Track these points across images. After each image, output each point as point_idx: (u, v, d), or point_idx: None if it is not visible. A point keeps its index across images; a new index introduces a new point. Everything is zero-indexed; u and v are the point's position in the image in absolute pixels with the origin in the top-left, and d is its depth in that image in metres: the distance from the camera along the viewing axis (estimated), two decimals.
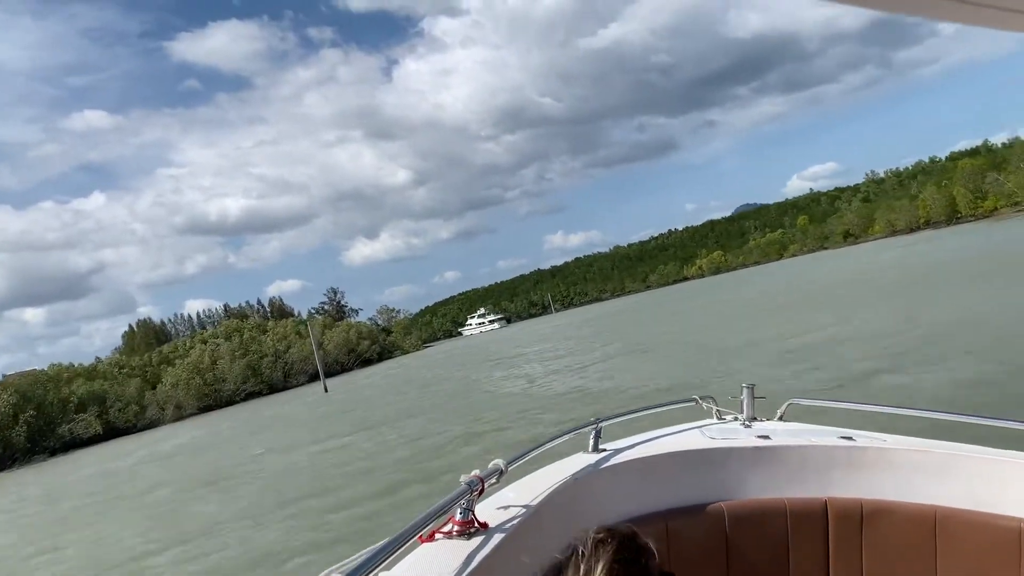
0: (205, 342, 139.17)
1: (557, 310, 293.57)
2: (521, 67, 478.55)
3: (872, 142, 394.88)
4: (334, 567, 1.44)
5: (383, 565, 1.59)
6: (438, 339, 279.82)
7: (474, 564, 1.83)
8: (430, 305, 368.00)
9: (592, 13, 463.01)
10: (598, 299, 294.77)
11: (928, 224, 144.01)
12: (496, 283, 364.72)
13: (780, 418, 3.29)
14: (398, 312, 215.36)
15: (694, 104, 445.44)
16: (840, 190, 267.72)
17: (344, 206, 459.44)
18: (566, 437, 2.82)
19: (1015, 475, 2.46)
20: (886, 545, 2.57)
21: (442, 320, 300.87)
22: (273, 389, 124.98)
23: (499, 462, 2.28)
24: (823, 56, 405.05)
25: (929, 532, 2.50)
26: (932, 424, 2.88)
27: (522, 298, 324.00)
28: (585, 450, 2.88)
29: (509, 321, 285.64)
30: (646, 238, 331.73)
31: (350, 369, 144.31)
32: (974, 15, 0.98)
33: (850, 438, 2.84)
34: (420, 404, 33.18)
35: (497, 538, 2.00)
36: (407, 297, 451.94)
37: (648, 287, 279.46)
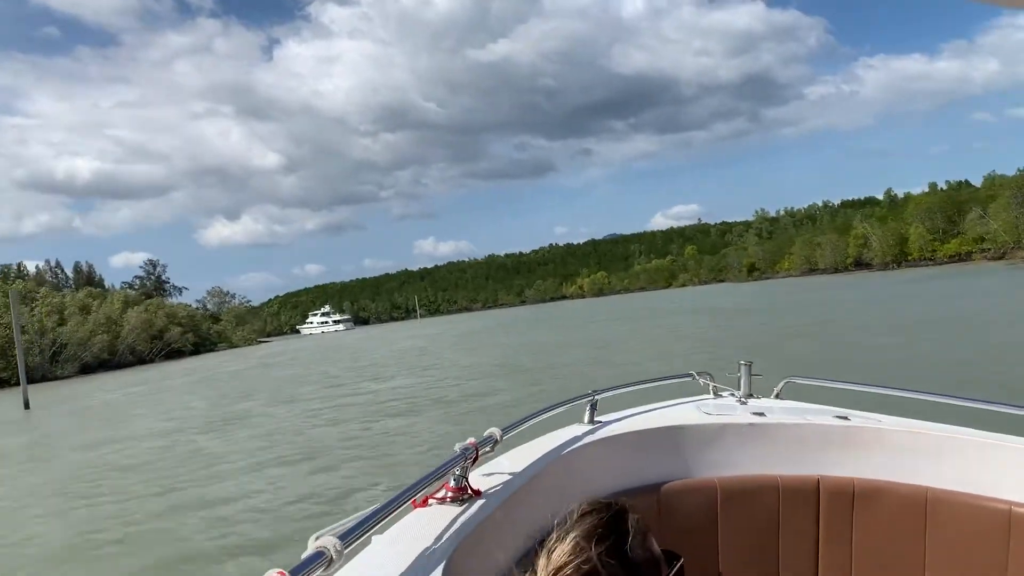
0: None
1: (422, 315, 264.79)
2: (408, 68, 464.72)
3: (733, 189, 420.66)
4: (326, 529, 1.42)
5: (376, 528, 1.59)
6: (283, 333, 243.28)
7: (467, 530, 1.82)
8: (281, 295, 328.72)
9: (484, 25, 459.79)
10: (468, 308, 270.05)
11: (859, 265, 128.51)
12: (358, 279, 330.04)
13: (776, 396, 3.30)
14: (232, 297, 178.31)
15: (573, 131, 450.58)
16: (729, 224, 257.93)
17: (206, 182, 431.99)
18: (562, 408, 2.81)
19: (1008, 459, 2.48)
20: (877, 524, 2.59)
21: (292, 313, 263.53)
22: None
23: (494, 430, 2.30)
24: (698, 103, 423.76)
25: (920, 513, 2.53)
26: (928, 406, 2.87)
27: (384, 299, 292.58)
28: (580, 422, 2.89)
29: (358, 323, 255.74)
30: (526, 251, 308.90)
31: (148, 361, 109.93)
32: None
33: (845, 417, 2.86)
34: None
35: (490, 505, 2.00)
36: (263, 285, 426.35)
37: (523, 301, 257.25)
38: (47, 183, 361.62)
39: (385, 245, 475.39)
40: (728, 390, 3.39)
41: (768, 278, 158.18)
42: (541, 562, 1.16)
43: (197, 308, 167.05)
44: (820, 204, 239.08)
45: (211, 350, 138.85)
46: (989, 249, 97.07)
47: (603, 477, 2.60)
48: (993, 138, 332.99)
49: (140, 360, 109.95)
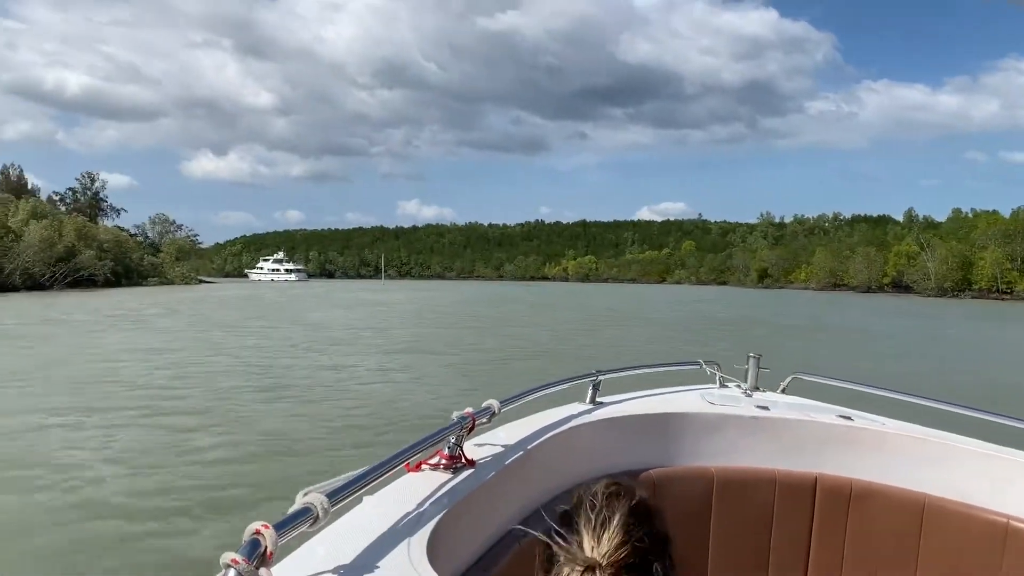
0: None
1: (389, 276, 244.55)
2: (413, 25, 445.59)
3: (722, 192, 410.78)
4: (315, 486, 1.41)
5: (367, 489, 1.58)
6: (229, 275, 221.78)
7: (458, 497, 1.81)
8: (248, 235, 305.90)
9: None
10: (441, 276, 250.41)
11: (897, 286, 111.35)
12: (329, 229, 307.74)
13: (783, 390, 3.33)
14: (178, 228, 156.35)
15: (571, 113, 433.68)
16: (732, 224, 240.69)
17: (196, 113, 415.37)
18: (564, 386, 2.80)
19: (1007, 472, 2.48)
20: (871, 526, 2.61)
21: (255, 255, 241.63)
22: None
23: (492, 402, 2.27)
24: (698, 102, 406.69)
25: (915, 519, 2.54)
26: (932, 413, 2.89)
27: (354, 254, 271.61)
28: (582, 401, 2.89)
29: (323, 275, 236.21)
30: (510, 224, 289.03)
31: (43, 287, 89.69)
32: None
33: (848, 417, 2.89)
34: None
35: (484, 475, 1.99)
36: (241, 224, 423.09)
37: (501, 276, 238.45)
38: (34, 91, 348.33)
39: (369, 201, 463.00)
40: (735, 381, 3.41)
41: (781, 287, 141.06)
42: (587, 542, 1.13)
43: (134, 234, 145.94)
44: (830, 215, 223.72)
45: (138, 283, 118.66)
46: None
47: (599, 457, 2.60)
48: (984, 178, 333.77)
49: (35, 285, 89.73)
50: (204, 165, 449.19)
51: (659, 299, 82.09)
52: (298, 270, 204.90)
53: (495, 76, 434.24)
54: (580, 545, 1.14)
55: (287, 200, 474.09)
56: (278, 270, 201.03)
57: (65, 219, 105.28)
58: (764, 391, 3.31)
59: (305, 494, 1.39)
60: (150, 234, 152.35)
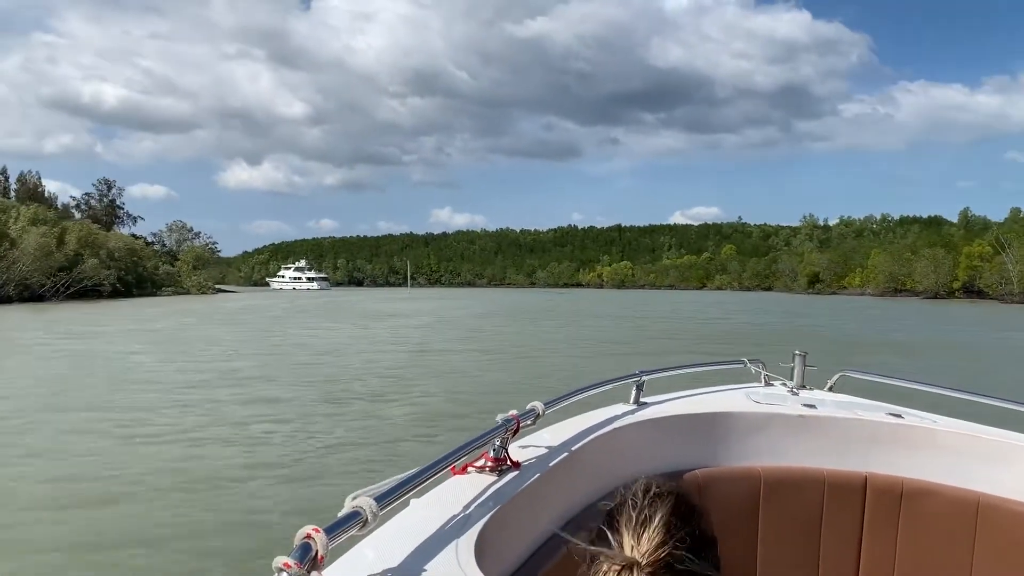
0: None
1: (418, 284, 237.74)
2: (443, 33, 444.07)
3: (755, 197, 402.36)
4: (363, 490, 1.42)
5: (414, 492, 1.60)
6: (257, 284, 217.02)
7: (505, 500, 1.81)
8: (276, 243, 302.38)
9: (523, 1, 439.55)
10: (471, 283, 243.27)
11: (969, 292, 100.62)
12: (357, 237, 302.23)
13: (830, 388, 3.28)
14: (196, 235, 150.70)
15: (603, 118, 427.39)
16: (774, 227, 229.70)
17: (231, 124, 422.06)
18: (607, 387, 2.78)
19: None
20: (924, 527, 2.55)
21: (281, 265, 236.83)
22: None
23: (537, 404, 2.26)
24: (731, 106, 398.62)
25: (970, 519, 2.47)
26: (986, 410, 2.82)
27: (383, 261, 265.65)
28: (626, 402, 2.86)
29: (351, 283, 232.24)
30: (542, 229, 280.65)
31: (41, 299, 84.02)
32: None
33: (898, 415, 2.84)
34: None
35: (529, 477, 1.98)
36: (275, 233, 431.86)
37: (533, 283, 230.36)
38: (73, 105, 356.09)
39: (402, 209, 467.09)
40: (780, 380, 3.36)
41: (833, 293, 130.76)
42: (627, 541, 1.14)
43: (150, 242, 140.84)
44: (877, 216, 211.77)
45: (152, 293, 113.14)
46: None
47: (644, 458, 2.57)
48: (1022, 179, 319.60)
49: (33, 297, 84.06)
50: (238, 175, 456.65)
51: (708, 306, 73.43)
52: (320, 278, 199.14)
53: (526, 83, 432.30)
54: (620, 544, 1.14)
55: (321, 209, 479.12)
56: (299, 278, 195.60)
57: (70, 225, 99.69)
58: (811, 389, 3.25)
59: (354, 498, 1.40)
60: (167, 242, 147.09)
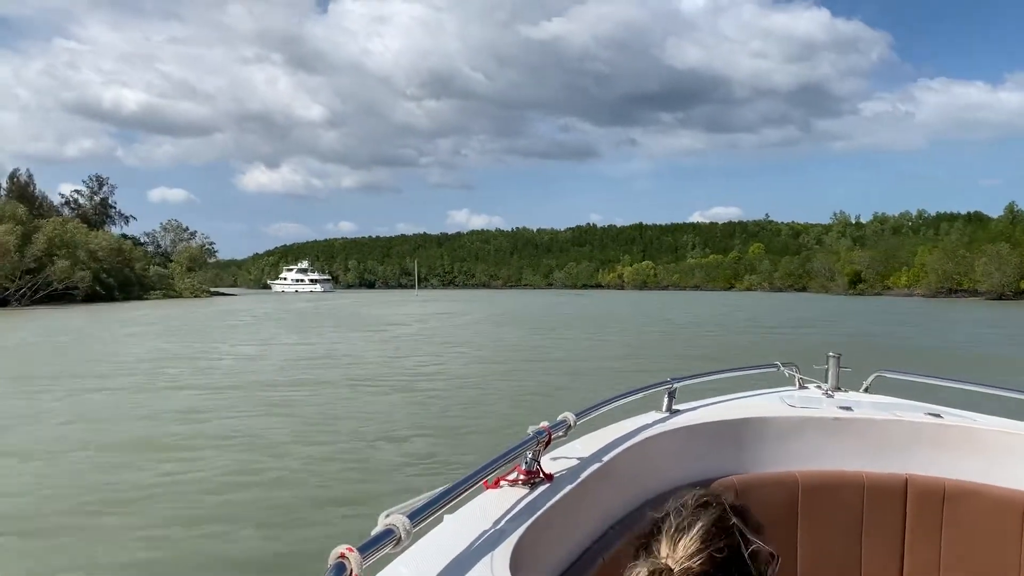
0: None
1: (431, 286, 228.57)
2: (459, 35, 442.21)
3: (776, 196, 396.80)
4: (396, 507, 1.42)
5: (447, 508, 1.59)
6: (266, 286, 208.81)
7: (538, 513, 1.79)
8: (288, 244, 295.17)
9: (539, 3, 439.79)
10: (486, 284, 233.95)
11: None
12: (369, 237, 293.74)
13: (865, 390, 3.23)
14: (192, 234, 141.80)
15: (620, 119, 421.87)
16: (804, 225, 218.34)
17: (249, 128, 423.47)
18: (638, 395, 2.74)
19: None
20: (968, 529, 2.49)
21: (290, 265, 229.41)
22: None
23: (568, 415, 2.24)
24: (750, 106, 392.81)
25: (1017, 519, 2.42)
26: None
27: (395, 262, 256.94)
28: (658, 410, 2.81)
29: (363, 285, 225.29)
30: (560, 228, 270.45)
31: (6, 303, 75.53)
32: None
33: (937, 415, 2.79)
34: None
35: (563, 489, 1.96)
36: (294, 235, 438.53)
37: (551, 284, 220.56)
38: (94, 110, 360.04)
39: (420, 211, 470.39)
40: (814, 382, 3.31)
41: (878, 294, 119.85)
42: (663, 549, 1.13)
43: (142, 243, 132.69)
44: (913, 213, 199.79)
45: (138, 297, 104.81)
46: None
47: (678, 466, 2.53)
48: None
49: None
50: (258, 178, 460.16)
51: (744, 310, 63.41)
52: (323, 280, 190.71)
53: (542, 84, 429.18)
54: (657, 550, 1.13)
55: (339, 212, 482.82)
56: (302, 280, 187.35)
57: (43, 223, 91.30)
58: (846, 391, 3.20)
59: (387, 515, 1.39)
60: (162, 242, 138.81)
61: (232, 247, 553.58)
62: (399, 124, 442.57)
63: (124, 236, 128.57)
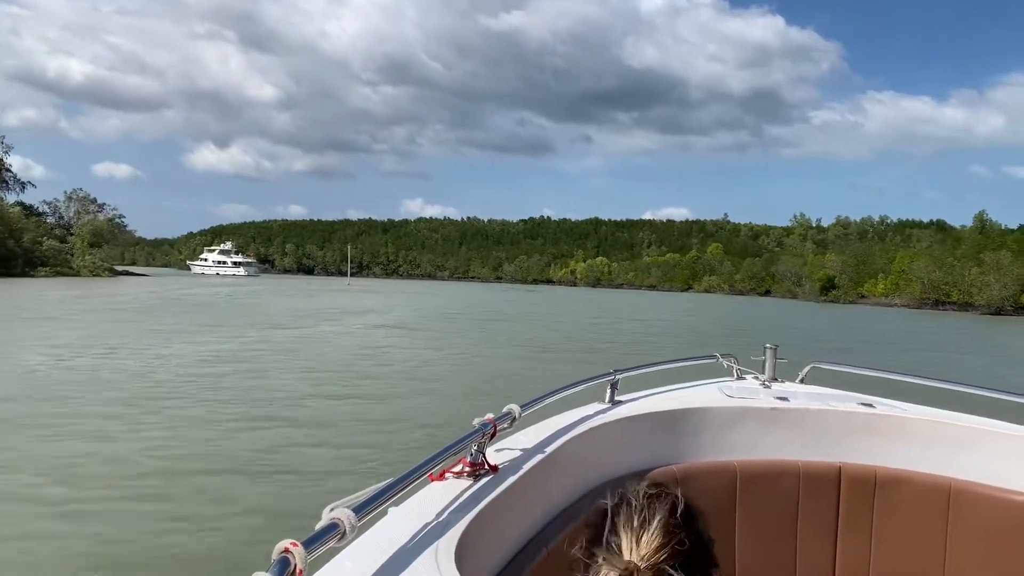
0: None
1: (375, 275, 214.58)
2: (418, 23, 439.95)
3: (725, 200, 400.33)
4: (341, 501, 1.40)
5: (392, 501, 1.59)
6: (187, 267, 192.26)
7: (483, 504, 1.80)
8: (219, 224, 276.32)
9: None
10: (431, 275, 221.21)
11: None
12: (309, 220, 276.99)
13: (801, 380, 3.30)
14: (100, 207, 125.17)
15: (577, 115, 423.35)
16: (763, 227, 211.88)
17: (200, 105, 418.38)
18: (582, 387, 2.76)
19: None
20: (898, 514, 2.60)
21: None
22: None
23: (513, 407, 2.26)
24: (704, 109, 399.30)
25: (943, 504, 2.53)
26: (954, 396, 2.87)
27: (336, 248, 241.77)
28: (601, 401, 2.85)
29: (300, 270, 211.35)
30: (512, 220, 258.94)
31: None
32: None
33: (870, 405, 2.88)
34: None
35: (507, 480, 1.97)
36: (242, 216, 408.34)
37: (499, 278, 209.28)
38: (37, 79, 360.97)
39: (372, 198, 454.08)
40: (752, 373, 3.36)
41: (853, 302, 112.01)
42: (625, 544, 1.11)
43: (40, 212, 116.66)
44: (875, 219, 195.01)
45: (24, 274, 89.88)
46: None
47: (622, 456, 2.59)
48: (986, 192, 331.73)
49: None
50: (207, 157, 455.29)
51: (711, 314, 53.30)
52: (247, 263, 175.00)
53: (500, 76, 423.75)
54: (619, 547, 1.12)
55: (289, 195, 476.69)
56: (224, 263, 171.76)
57: None
58: (783, 382, 3.26)
59: (331, 509, 1.39)
60: (65, 214, 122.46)
61: (177, 226, 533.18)
62: (354, 109, 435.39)
63: (21, 204, 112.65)
